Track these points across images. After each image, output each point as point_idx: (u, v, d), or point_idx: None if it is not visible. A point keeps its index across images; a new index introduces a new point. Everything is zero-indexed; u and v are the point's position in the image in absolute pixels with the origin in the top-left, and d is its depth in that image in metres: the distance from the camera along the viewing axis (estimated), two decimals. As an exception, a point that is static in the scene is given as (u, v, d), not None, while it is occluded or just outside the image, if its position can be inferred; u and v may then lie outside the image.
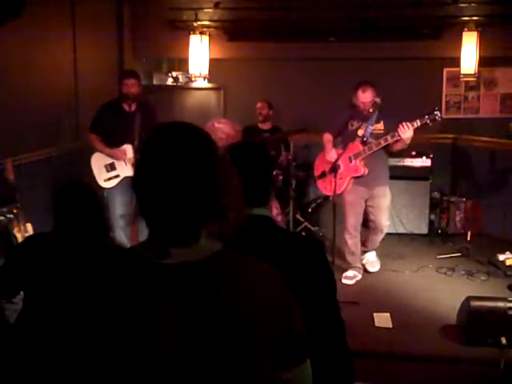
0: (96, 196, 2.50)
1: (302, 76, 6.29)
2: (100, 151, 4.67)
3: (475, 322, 3.51)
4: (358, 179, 4.65)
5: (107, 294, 1.08)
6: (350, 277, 4.71)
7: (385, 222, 4.78)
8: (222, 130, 2.88)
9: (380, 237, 4.86)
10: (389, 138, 4.45)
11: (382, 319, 3.98)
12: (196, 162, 1.08)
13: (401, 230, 5.85)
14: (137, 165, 1.12)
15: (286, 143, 5.66)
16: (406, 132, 4.31)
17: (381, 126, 4.59)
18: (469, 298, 3.63)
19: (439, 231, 6.00)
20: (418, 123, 4.34)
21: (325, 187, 4.83)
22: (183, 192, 1.06)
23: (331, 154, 4.72)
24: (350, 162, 4.63)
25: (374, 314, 4.04)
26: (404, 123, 4.32)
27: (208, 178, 1.09)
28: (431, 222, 6.03)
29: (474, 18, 5.80)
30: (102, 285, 1.10)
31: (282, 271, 1.68)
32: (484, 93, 6.27)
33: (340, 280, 4.54)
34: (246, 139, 5.97)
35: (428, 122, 4.36)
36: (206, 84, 6.58)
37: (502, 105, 6.25)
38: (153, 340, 1.03)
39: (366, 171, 4.59)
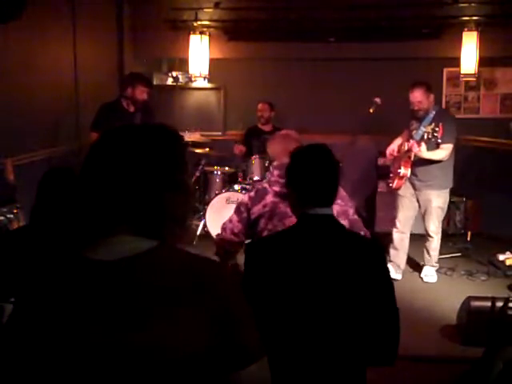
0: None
1: (302, 76, 6.29)
2: None
3: (475, 322, 3.51)
4: (410, 178, 4.66)
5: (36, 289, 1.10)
6: None
7: (431, 227, 4.72)
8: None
9: (431, 244, 4.78)
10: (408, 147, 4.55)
11: (382, 319, 3.98)
12: (125, 161, 1.08)
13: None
14: (87, 159, 1.13)
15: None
16: (414, 147, 4.41)
17: (429, 128, 4.44)
18: (469, 298, 3.63)
19: (439, 231, 6.00)
20: (425, 137, 4.39)
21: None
22: (122, 185, 1.07)
23: (389, 149, 4.80)
24: (399, 161, 4.65)
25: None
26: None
27: (147, 177, 1.08)
28: (431, 222, 6.02)
29: (474, 17, 5.79)
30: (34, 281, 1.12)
31: (340, 269, 1.75)
32: (484, 93, 6.27)
33: None
34: (247, 140, 6.01)
35: (430, 137, 4.37)
36: (205, 84, 6.58)
37: (502, 105, 6.24)
38: (90, 336, 1.03)
39: (408, 174, 4.58)
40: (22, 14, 3.71)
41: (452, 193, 6.11)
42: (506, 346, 1.56)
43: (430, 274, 4.81)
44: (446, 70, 6.27)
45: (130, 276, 1.05)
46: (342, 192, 2.66)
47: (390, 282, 1.84)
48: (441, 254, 5.27)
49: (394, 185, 4.71)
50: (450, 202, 6.00)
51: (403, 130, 4.85)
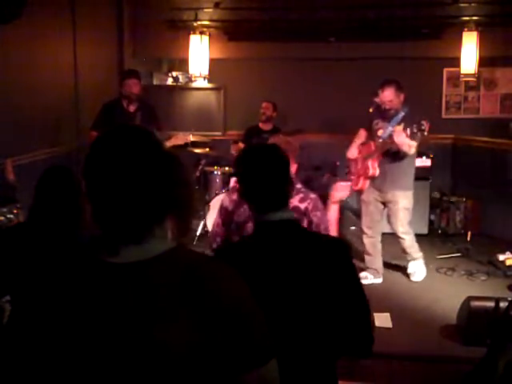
0: (76, 183, 2.37)
1: (302, 76, 6.29)
2: None
3: (475, 322, 3.51)
4: (373, 181, 4.60)
5: (52, 294, 1.09)
6: (361, 277, 4.60)
7: (399, 228, 4.65)
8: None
9: (403, 244, 4.71)
10: (387, 140, 4.40)
11: (382, 319, 3.98)
12: (142, 161, 1.09)
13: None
14: (87, 166, 1.12)
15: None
16: (399, 137, 4.27)
17: (401, 128, 4.38)
18: (469, 298, 3.63)
19: (439, 231, 6.00)
20: (408, 132, 4.24)
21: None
22: (132, 190, 1.07)
23: (351, 151, 4.69)
24: (364, 161, 4.60)
25: (374, 314, 4.03)
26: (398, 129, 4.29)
27: (156, 179, 1.09)
28: (431, 222, 6.03)
29: (474, 17, 5.80)
30: (47, 284, 1.11)
31: (309, 272, 1.70)
32: (484, 93, 6.27)
33: None
34: (247, 139, 6.01)
35: (415, 131, 4.21)
36: (205, 84, 6.58)
37: (501, 105, 6.25)
38: (94, 336, 1.03)
39: (377, 173, 4.52)
40: (21, 13, 3.71)
41: (452, 193, 6.15)
42: (508, 346, 1.54)
43: (416, 269, 4.75)
44: (445, 70, 6.27)
45: (142, 279, 1.06)
46: (320, 204, 2.56)
47: (356, 277, 1.80)
48: (441, 253, 5.28)
49: (360, 185, 4.63)
50: (450, 202, 6.04)
51: (359, 130, 4.76)
